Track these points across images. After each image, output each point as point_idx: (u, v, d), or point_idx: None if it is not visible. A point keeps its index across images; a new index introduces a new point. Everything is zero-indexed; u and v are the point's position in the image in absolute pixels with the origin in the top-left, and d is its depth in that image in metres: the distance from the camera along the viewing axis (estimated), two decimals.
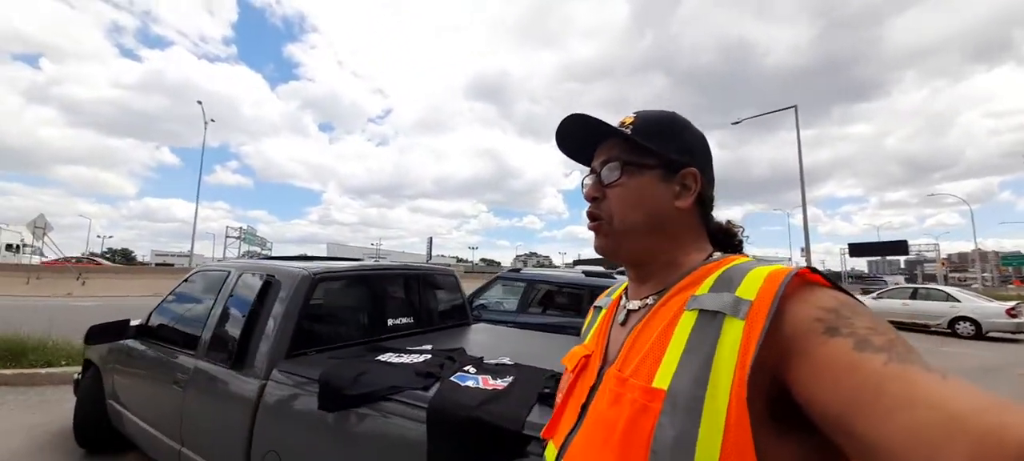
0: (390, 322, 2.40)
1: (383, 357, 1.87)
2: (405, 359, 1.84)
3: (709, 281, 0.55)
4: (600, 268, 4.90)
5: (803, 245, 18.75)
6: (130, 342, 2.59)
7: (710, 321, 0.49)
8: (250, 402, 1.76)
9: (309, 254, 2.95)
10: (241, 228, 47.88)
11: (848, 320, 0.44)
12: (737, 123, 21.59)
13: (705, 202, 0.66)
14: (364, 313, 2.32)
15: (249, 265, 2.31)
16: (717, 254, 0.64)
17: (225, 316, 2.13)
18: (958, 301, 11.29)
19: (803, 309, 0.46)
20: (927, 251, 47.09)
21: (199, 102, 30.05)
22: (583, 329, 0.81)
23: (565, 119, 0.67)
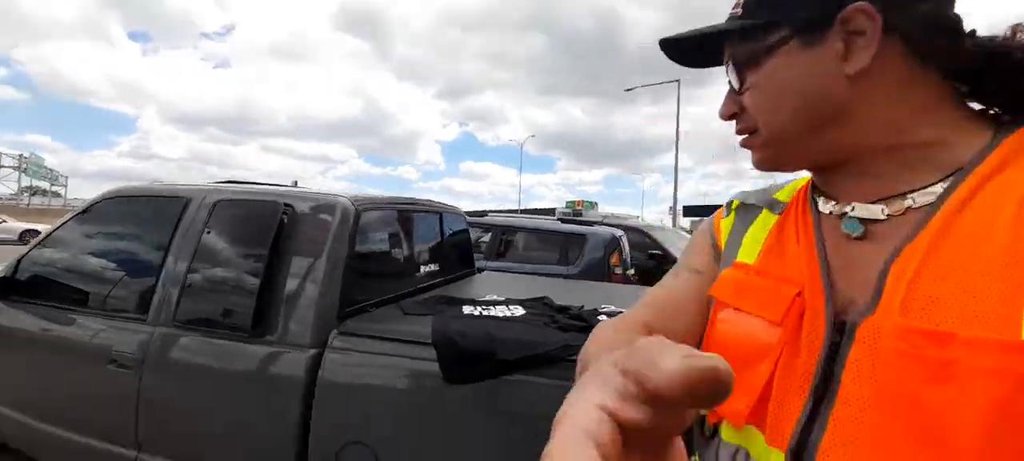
0: (422, 270, 1.95)
1: (466, 310, 1.48)
2: (494, 312, 1.49)
3: None
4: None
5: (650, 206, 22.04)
6: None
7: None
8: (297, 381, 1.23)
9: (260, 180, 2.17)
10: (21, 155, 35.89)
11: None
12: (630, 90, 24.25)
13: (918, 41, 0.37)
14: (402, 258, 1.83)
15: (226, 190, 1.59)
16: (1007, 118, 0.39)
17: (205, 264, 1.44)
18: None
19: None
20: None
21: None
22: (723, 237, 0.54)
23: (663, 47, 0.52)
